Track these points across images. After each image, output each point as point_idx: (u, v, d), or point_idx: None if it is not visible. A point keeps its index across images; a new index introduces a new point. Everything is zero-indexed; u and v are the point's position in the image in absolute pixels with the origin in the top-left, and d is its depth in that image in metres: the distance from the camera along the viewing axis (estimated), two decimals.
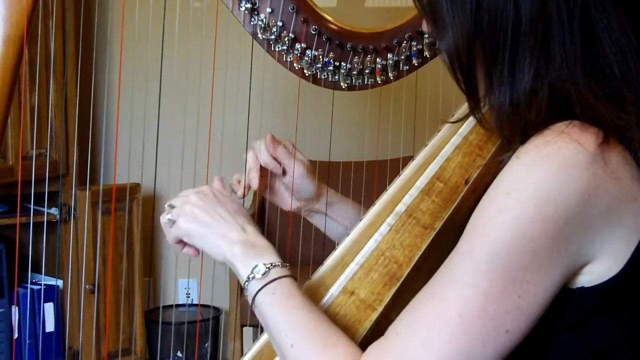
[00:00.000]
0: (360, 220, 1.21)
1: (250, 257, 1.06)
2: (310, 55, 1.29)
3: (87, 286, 2.92)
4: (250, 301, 1.04)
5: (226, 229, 1.09)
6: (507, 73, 0.93)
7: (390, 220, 1.15)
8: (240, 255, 1.06)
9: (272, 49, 1.29)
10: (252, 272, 1.04)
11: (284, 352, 1.01)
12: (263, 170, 1.34)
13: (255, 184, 1.33)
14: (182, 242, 1.14)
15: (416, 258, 1.11)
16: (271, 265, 1.05)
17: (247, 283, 1.05)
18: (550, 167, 0.87)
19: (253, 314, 1.05)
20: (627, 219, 0.90)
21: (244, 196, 1.33)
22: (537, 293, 0.89)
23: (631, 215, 0.91)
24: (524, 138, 0.93)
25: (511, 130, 0.95)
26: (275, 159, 1.33)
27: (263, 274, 1.04)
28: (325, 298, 1.12)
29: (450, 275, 0.92)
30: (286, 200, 1.39)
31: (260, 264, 1.05)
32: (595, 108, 0.90)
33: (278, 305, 1.03)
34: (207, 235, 1.09)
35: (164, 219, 1.14)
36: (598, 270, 0.92)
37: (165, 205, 1.15)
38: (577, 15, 0.91)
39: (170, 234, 1.13)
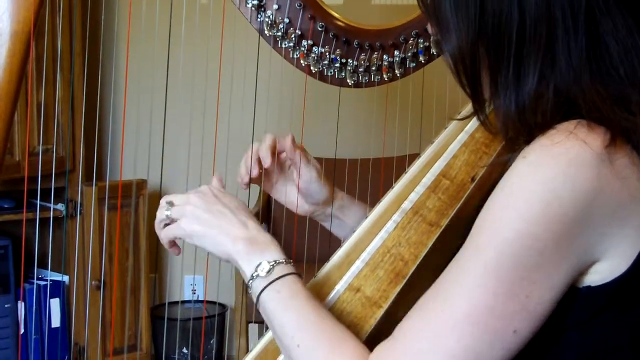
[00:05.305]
0: (366, 217, 1.21)
1: (253, 254, 1.04)
2: (317, 52, 1.29)
3: (93, 282, 2.93)
4: (255, 300, 1.03)
5: (228, 226, 1.06)
6: (512, 77, 0.93)
7: (396, 217, 1.15)
8: (243, 252, 1.04)
9: (279, 45, 1.29)
10: (255, 270, 1.03)
11: (291, 353, 0.99)
12: (268, 169, 1.32)
13: (255, 172, 1.30)
14: (174, 242, 1.12)
15: (422, 255, 1.10)
16: (275, 262, 1.03)
17: (251, 281, 1.03)
18: (557, 167, 0.87)
19: (258, 311, 1.05)
20: (633, 219, 0.90)
21: (248, 184, 1.30)
22: (545, 293, 0.89)
23: (637, 215, 0.90)
24: (528, 138, 0.92)
25: (516, 133, 0.94)
26: (278, 161, 1.32)
27: (267, 272, 1.02)
28: (331, 295, 1.12)
29: (457, 275, 0.91)
30: (299, 204, 1.37)
31: (264, 261, 1.03)
32: (601, 110, 0.90)
33: (283, 305, 1.01)
34: (210, 235, 1.07)
35: (162, 214, 1.11)
36: (605, 270, 0.91)
37: (163, 202, 1.11)
38: (581, 19, 0.90)
39: (167, 233, 1.10)
